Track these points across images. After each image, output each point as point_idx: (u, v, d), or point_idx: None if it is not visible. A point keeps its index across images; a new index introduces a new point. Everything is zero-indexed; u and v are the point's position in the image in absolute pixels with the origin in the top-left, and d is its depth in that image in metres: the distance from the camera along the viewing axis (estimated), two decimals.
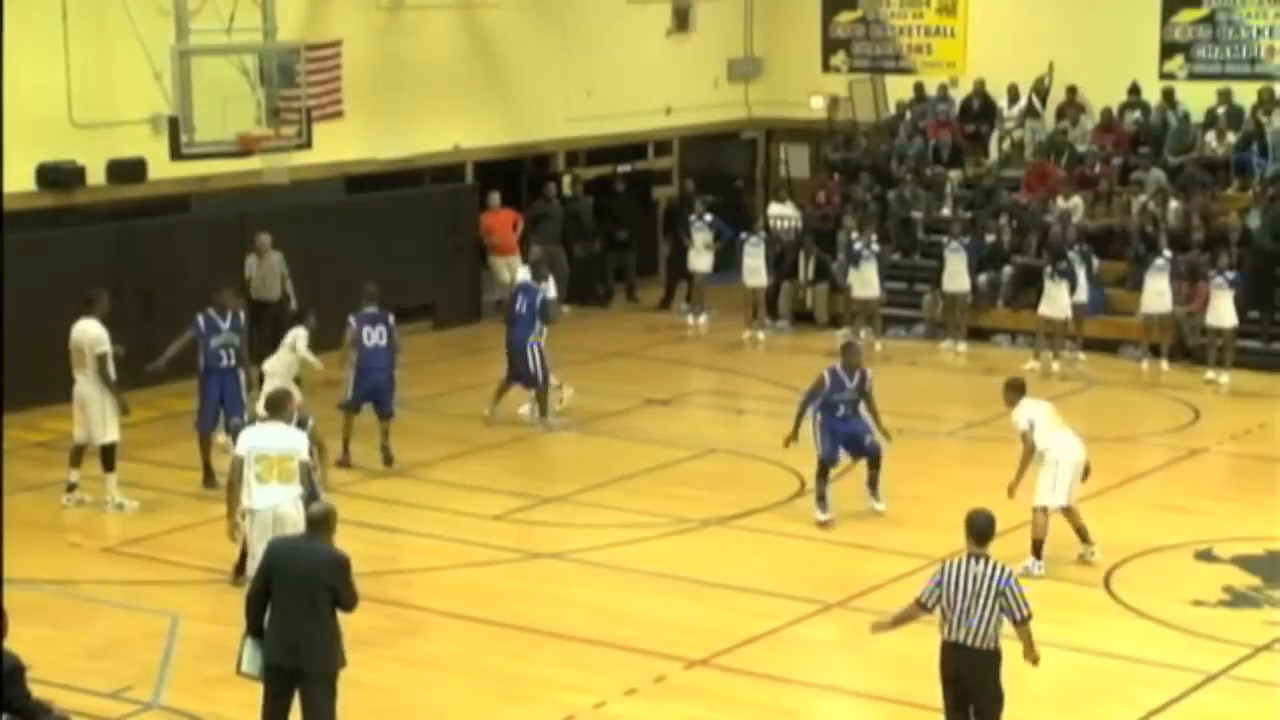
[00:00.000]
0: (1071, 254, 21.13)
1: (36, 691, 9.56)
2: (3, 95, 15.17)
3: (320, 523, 9.97)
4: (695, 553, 14.50)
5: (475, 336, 22.72)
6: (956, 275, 21.98)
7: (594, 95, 24.85)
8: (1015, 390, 14.15)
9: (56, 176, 18.77)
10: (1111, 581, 13.63)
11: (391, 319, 16.77)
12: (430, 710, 11.37)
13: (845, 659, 12.48)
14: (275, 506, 11.86)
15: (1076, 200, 23.11)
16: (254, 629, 9.79)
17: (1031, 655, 9.75)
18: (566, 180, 25.09)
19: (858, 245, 22.28)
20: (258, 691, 9.81)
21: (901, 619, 10.02)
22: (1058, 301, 20.76)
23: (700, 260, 23.63)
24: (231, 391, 15.76)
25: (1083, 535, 13.93)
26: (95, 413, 15.12)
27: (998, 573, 9.52)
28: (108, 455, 15.19)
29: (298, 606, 9.64)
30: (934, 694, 11.35)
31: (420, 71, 22.58)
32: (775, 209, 24.67)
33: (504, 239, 23.49)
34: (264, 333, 18.88)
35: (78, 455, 15.39)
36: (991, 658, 9.55)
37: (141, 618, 12.75)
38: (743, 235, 23.16)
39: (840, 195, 24.65)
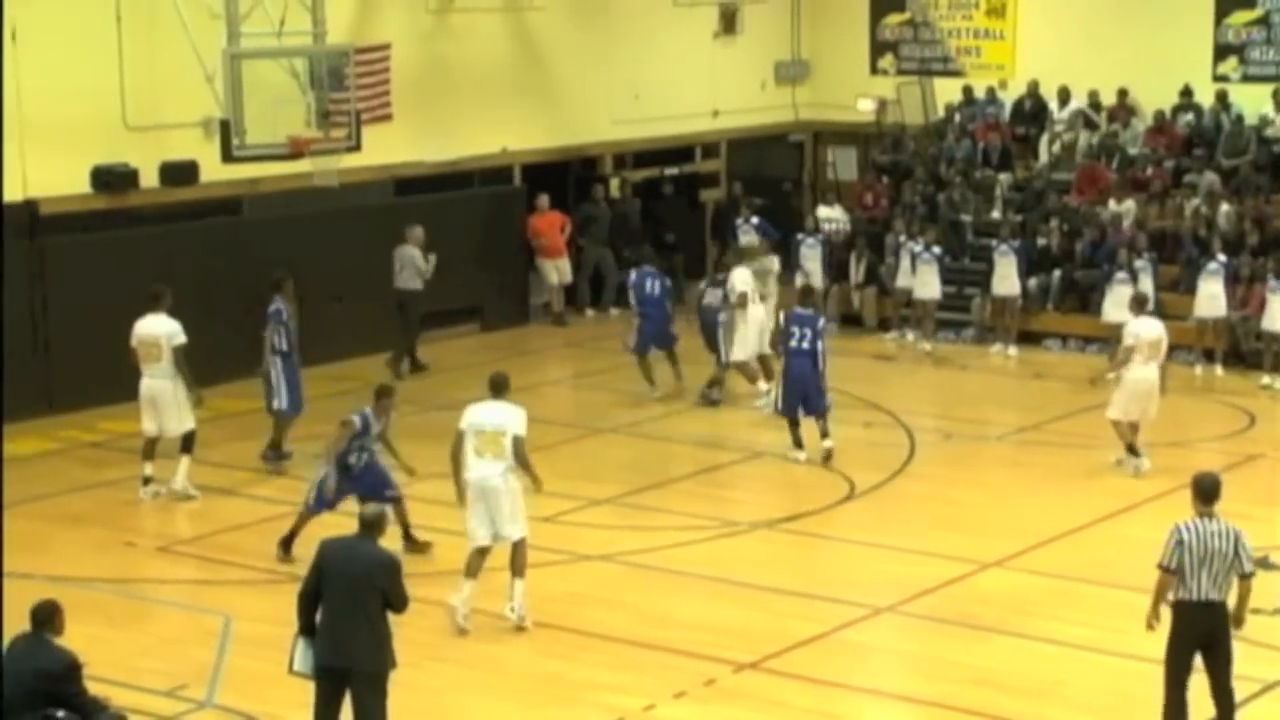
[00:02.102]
0: (1140, 261, 21.03)
1: (93, 688, 9.76)
2: (2, 100, 15.27)
3: (372, 524, 10.09)
4: (744, 556, 14.55)
5: (523, 339, 22.83)
6: (1006, 278, 21.94)
7: (641, 98, 24.94)
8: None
9: (110, 179, 18.99)
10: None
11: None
12: (479, 712, 11.46)
13: (894, 663, 12.50)
14: (484, 479, 12.40)
15: (1130, 204, 23.04)
16: (305, 628, 9.91)
17: (1242, 614, 10.21)
18: (614, 183, 25.19)
19: (917, 248, 22.26)
20: (310, 691, 9.94)
21: (1159, 594, 10.17)
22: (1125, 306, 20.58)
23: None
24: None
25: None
26: (169, 405, 15.51)
27: (1230, 530, 10.04)
28: (187, 440, 15.65)
29: (348, 608, 9.74)
30: (981, 699, 11.43)
31: (468, 74, 22.72)
32: (824, 211, 24.69)
33: (552, 241, 23.60)
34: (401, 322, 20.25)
35: (150, 448, 15.70)
36: (1227, 611, 10.12)
37: (196, 616, 12.93)
38: (799, 236, 23.19)
39: (888, 198, 24.66)
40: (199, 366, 16.15)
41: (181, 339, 15.50)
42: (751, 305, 18.83)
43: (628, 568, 14.15)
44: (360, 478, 13.84)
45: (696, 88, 25.83)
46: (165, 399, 15.51)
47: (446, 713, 11.37)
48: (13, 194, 18.17)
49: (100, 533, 14.83)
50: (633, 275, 19.83)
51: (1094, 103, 24.93)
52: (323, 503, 13.80)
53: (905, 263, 22.57)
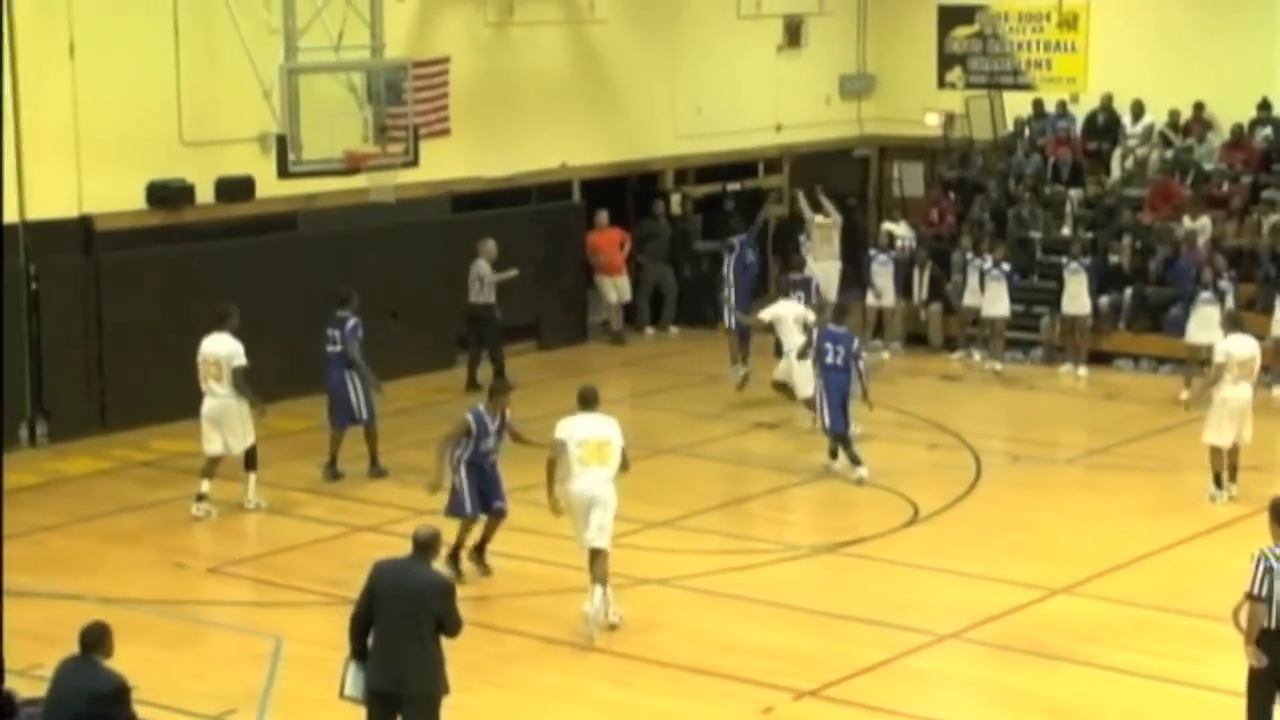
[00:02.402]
0: (1223, 282, 20.81)
1: (142, 712, 9.76)
2: (2, 111, 15.37)
3: (426, 546, 10.04)
4: (805, 580, 14.47)
5: (581, 357, 22.80)
6: (1076, 297, 21.74)
7: (703, 112, 24.91)
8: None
9: (166, 194, 19.12)
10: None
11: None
12: None
13: (960, 692, 12.35)
14: (593, 487, 12.78)
15: (1205, 220, 22.79)
16: (357, 652, 9.87)
17: None
18: (675, 199, 25.16)
19: (985, 265, 22.09)
20: (361, 716, 9.92)
21: (1254, 624, 9.91)
22: (1213, 325, 19.87)
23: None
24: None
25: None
26: (234, 423, 15.79)
27: None
28: (251, 457, 15.96)
29: (401, 631, 9.70)
30: None
31: (527, 88, 22.75)
32: (891, 227, 24.51)
33: (611, 258, 23.60)
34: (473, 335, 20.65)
35: (212, 467, 15.88)
36: None
37: (246, 639, 12.94)
38: (871, 253, 23.08)
39: (955, 214, 24.50)
40: (257, 385, 16.28)
41: (241, 361, 15.68)
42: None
43: (686, 592, 14.07)
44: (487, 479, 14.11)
45: (759, 102, 25.77)
46: (229, 418, 15.77)
47: None
48: (68, 210, 18.38)
49: (151, 553, 14.89)
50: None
51: (1173, 121, 24.68)
52: (464, 509, 14.00)
53: (973, 280, 22.39)
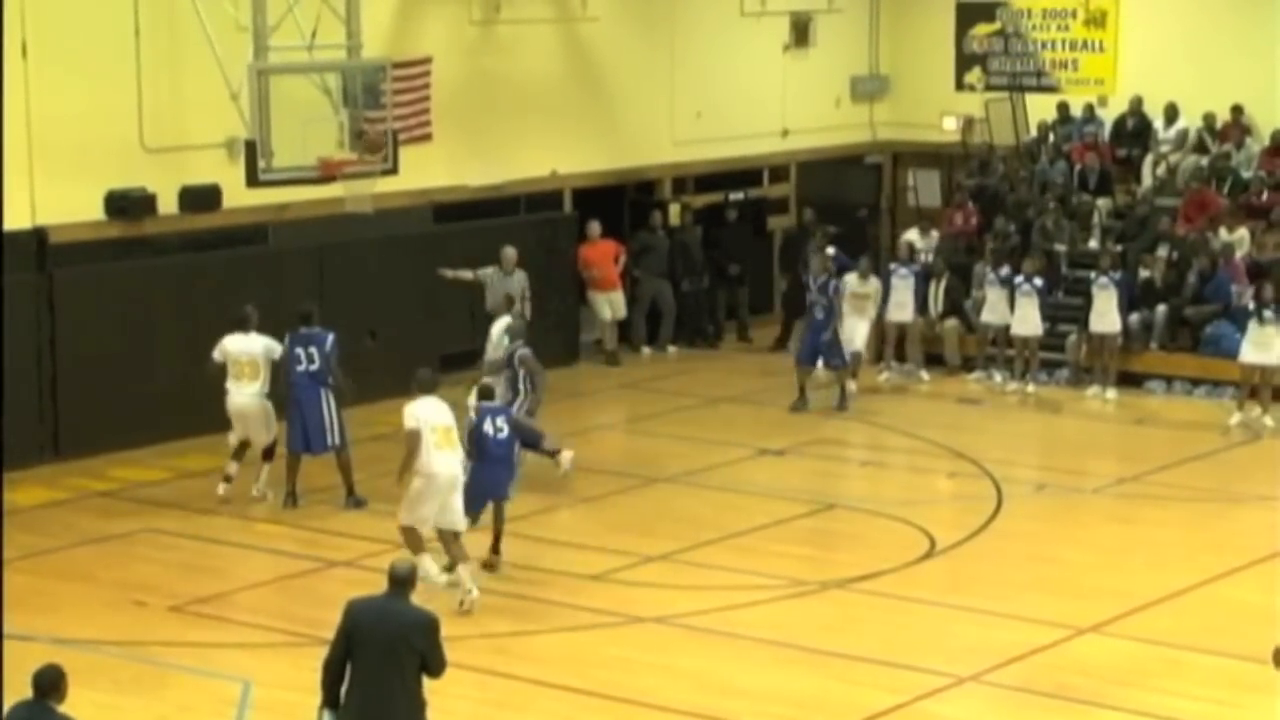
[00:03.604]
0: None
1: None
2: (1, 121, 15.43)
3: (405, 581, 9.89)
4: (812, 618, 14.39)
5: (572, 379, 22.75)
6: (1105, 314, 21.72)
7: (704, 116, 24.96)
8: None
9: (125, 204, 19.14)
10: None
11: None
12: None
13: None
14: (452, 470, 14.39)
15: (1243, 232, 22.82)
16: (330, 700, 9.74)
17: None
18: (674, 209, 25.19)
19: (1017, 279, 21.96)
20: None
21: None
22: (1271, 346, 20.14)
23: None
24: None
25: None
26: (259, 418, 17.02)
27: None
28: (270, 450, 17.25)
29: (382, 674, 9.58)
30: None
31: (515, 91, 22.80)
32: (909, 238, 24.49)
33: (604, 273, 23.60)
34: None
35: (241, 451, 17.23)
36: None
37: (212, 683, 12.88)
38: (892, 266, 23.08)
39: (978, 222, 24.43)
40: (217, 406, 16.38)
41: (280, 351, 16.94)
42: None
43: (685, 630, 14.02)
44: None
45: (764, 105, 25.84)
46: (256, 414, 16.98)
47: None
48: (20, 221, 18.34)
49: (110, 591, 14.87)
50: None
51: (1209, 125, 24.71)
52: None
53: (993, 295, 22.37)
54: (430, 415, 14.37)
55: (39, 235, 18.60)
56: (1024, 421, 21.26)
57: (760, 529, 16.58)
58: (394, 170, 18.73)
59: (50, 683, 9.53)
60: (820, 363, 20.96)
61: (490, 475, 15.03)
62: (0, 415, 15.64)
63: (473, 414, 15.29)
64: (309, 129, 17.78)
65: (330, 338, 17.06)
